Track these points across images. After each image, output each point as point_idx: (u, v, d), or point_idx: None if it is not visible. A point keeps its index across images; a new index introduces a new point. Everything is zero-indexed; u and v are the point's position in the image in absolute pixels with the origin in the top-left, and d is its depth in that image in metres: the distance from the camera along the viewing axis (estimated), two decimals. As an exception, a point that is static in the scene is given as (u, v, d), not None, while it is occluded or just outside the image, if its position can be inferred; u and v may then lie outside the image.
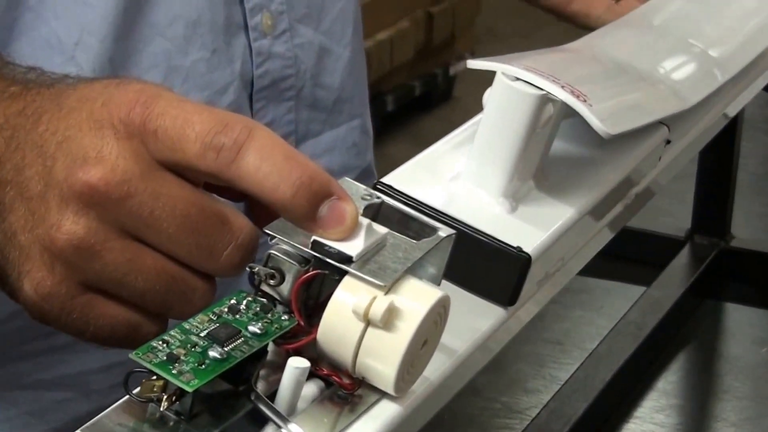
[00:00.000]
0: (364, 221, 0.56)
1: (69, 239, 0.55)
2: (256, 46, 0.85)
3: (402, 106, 3.55)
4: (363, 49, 0.97)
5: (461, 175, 0.66)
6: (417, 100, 3.62)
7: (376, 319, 0.53)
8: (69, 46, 0.77)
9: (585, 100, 0.65)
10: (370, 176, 0.93)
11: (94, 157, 0.56)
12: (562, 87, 0.65)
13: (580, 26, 0.97)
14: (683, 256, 1.24)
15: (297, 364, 0.52)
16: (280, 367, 0.55)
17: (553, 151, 0.70)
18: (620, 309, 1.18)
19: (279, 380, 0.55)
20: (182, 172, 0.56)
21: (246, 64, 0.85)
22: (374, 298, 0.53)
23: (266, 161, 0.55)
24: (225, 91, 0.83)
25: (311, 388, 0.54)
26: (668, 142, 0.79)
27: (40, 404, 0.84)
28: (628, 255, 1.28)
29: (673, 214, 1.36)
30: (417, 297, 0.54)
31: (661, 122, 0.78)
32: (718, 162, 1.24)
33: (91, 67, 0.77)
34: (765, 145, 1.73)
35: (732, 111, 0.97)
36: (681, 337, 1.18)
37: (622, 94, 0.73)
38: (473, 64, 0.67)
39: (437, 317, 0.55)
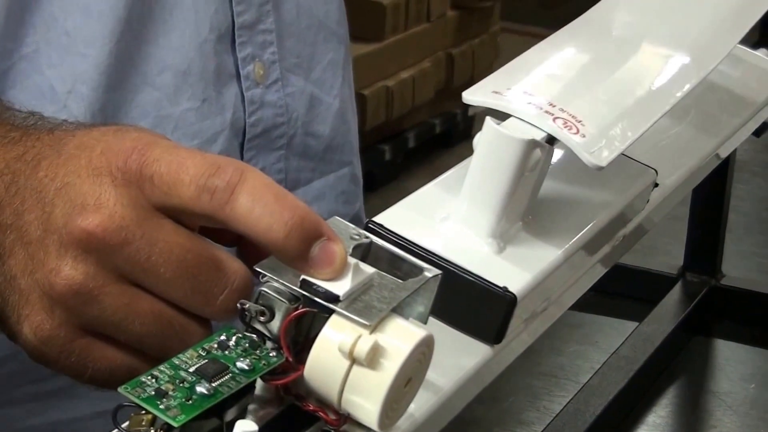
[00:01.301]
0: (352, 261, 0.56)
1: (68, 284, 0.56)
2: (248, 95, 0.85)
3: (423, 143, 3.60)
4: (353, 99, 0.97)
5: (451, 216, 0.66)
6: (437, 138, 3.67)
7: (360, 357, 0.53)
8: (62, 94, 0.77)
9: (578, 131, 0.65)
10: (359, 224, 0.93)
11: (93, 204, 0.56)
12: (554, 119, 0.65)
13: None
14: (675, 293, 1.24)
15: (245, 428, 0.51)
16: (268, 402, 0.55)
17: (543, 191, 0.70)
18: (615, 344, 1.17)
19: (268, 415, 0.55)
20: (178, 216, 0.56)
21: (238, 112, 0.84)
22: (359, 336, 0.53)
23: (258, 202, 0.55)
24: (215, 140, 0.83)
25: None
26: (656, 185, 0.79)
27: None
28: (622, 291, 1.27)
29: (670, 253, 1.35)
30: (401, 336, 0.54)
31: (648, 166, 0.78)
32: (710, 202, 1.23)
33: (83, 116, 0.77)
34: (760, 188, 1.72)
35: (724, 152, 0.97)
36: (671, 372, 1.18)
37: (617, 104, 0.72)
38: (468, 98, 0.67)
39: (421, 356, 0.55)
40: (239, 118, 0.85)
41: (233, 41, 0.84)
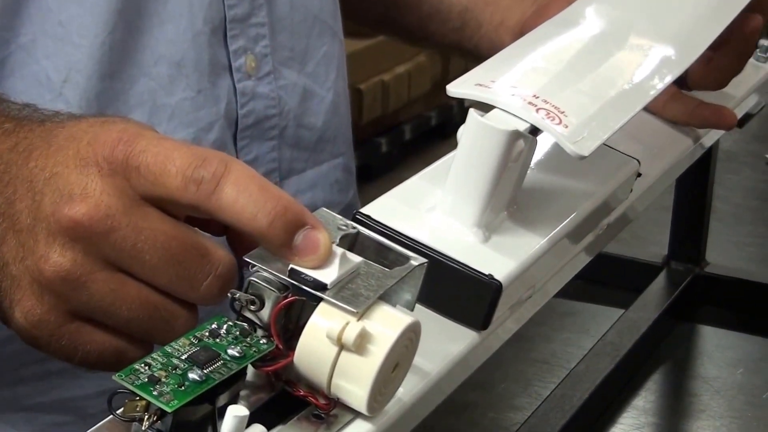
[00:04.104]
0: (339, 250, 0.56)
1: (56, 271, 0.56)
2: (240, 87, 0.85)
3: (419, 135, 3.60)
4: (347, 92, 0.97)
5: (437, 207, 0.67)
6: (433, 130, 3.66)
7: (348, 343, 0.53)
8: (57, 83, 0.78)
9: (560, 121, 0.65)
10: (353, 211, 0.93)
11: (80, 193, 0.56)
12: (537, 110, 0.65)
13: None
14: (660, 281, 1.24)
15: (236, 412, 0.51)
16: (259, 388, 0.56)
17: (527, 182, 0.70)
18: (605, 331, 1.17)
19: (259, 400, 0.55)
20: (164, 206, 0.57)
21: (231, 103, 0.85)
22: (347, 323, 0.53)
23: (243, 193, 0.55)
24: (210, 129, 0.83)
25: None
26: (639, 174, 0.79)
27: (38, 427, 0.84)
28: (608, 280, 1.28)
29: (658, 243, 1.36)
30: (388, 323, 0.54)
31: (631, 156, 0.78)
32: (693, 192, 1.24)
33: (78, 104, 0.78)
34: (748, 178, 1.72)
35: (707, 142, 0.97)
36: (657, 357, 1.18)
37: (600, 96, 0.71)
38: (452, 91, 0.68)
39: (408, 342, 0.55)
40: (232, 109, 0.85)
41: (226, 34, 0.84)
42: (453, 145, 0.68)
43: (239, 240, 0.59)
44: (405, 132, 3.55)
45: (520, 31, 0.96)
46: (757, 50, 1.06)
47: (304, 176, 0.92)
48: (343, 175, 0.96)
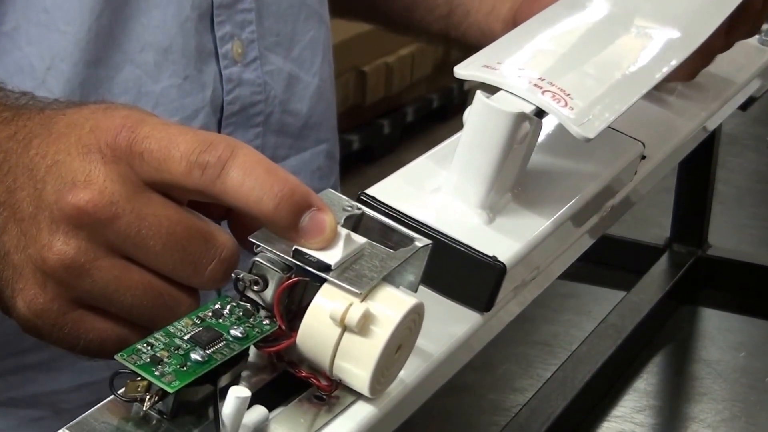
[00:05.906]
0: (344, 231, 0.55)
1: (60, 259, 0.55)
2: (226, 74, 0.84)
3: (421, 117, 3.61)
4: (332, 78, 0.96)
5: (442, 188, 0.66)
6: (434, 112, 3.67)
7: (352, 324, 0.53)
8: (40, 71, 0.76)
9: (566, 104, 0.64)
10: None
11: (83, 180, 0.55)
12: (543, 92, 0.64)
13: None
14: (662, 263, 1.24)
15: (238, 393, 0.50)
16: (262, 369, 0.55)
17: (532, 163, 0.70)
18: (607, 313, 1.17)
19: (261, 381, 0.55)
20: (169, 191, 0.56)
21: (217, 90, 0.84)
22: (350, 304, 0.53)
23: (249, 176, 0.55)
24: (195, 117, 0.82)
25: (257, 413, 0.53)
26: (643, 157, 0.79)
27: (12, 422, 0.83)
28: (611, 262, 1.28)
29: (660, 225, 1.35)
30: (392, 304, 0.54)
31: (636, 139, 0.78)
32: (696, 174, 1.23)
33: (61, 92, 0.76)
34: (750, 161, 1.72)
35: (711, 125, 0.96)
36: (659, 340, 1.18)
37: (605, 79, 0.70)
38: (460, 72, 0.67)
39: (411, 323, 0.55)
40: (218, 96, 0.84)
41: (212, 20, 0.83)
42: (453, 127, 0.67)
43: (242, 224, 0.59)
44: (407, 114, 3.56)
45: (513, 19, 0.95)
46: (761, 34, 1.05)
47: (286, 163, 0.90)
48: (325, 161, 0.95)
